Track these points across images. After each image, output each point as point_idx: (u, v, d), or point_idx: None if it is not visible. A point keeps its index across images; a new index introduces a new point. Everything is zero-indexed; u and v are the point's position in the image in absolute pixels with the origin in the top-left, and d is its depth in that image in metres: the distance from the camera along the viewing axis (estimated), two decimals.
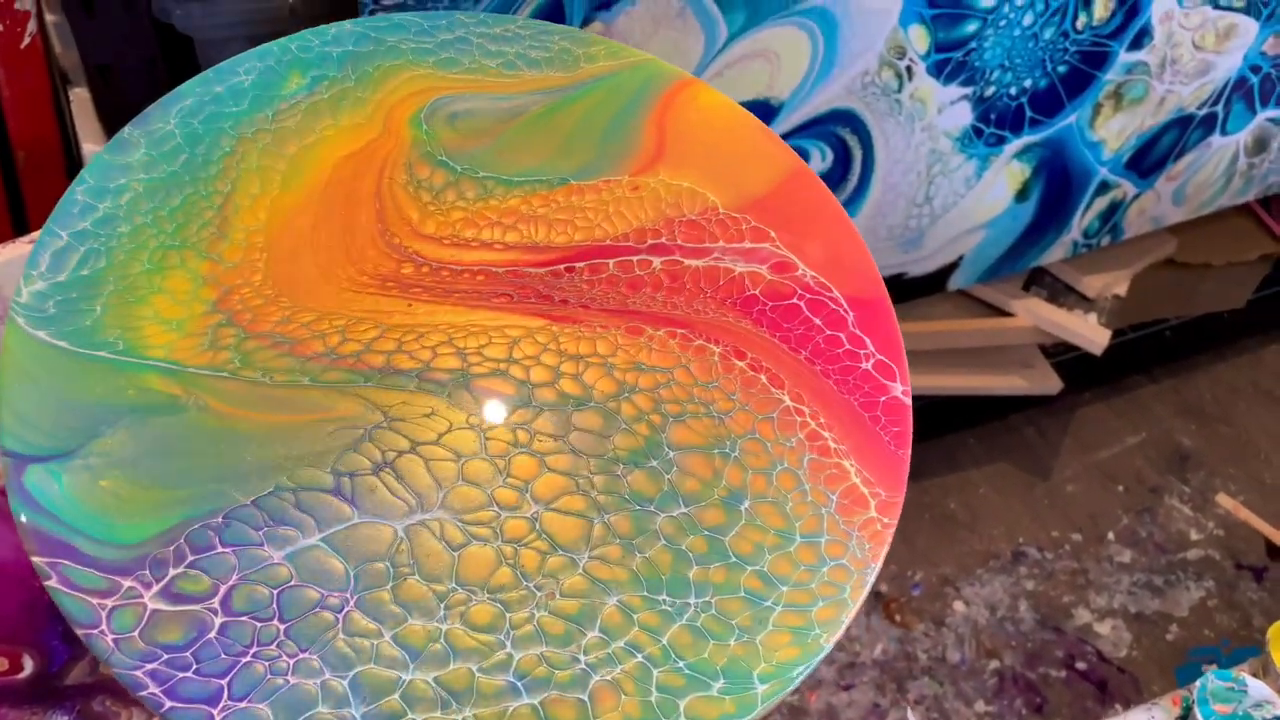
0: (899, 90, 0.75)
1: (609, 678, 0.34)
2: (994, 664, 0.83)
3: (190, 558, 0.33)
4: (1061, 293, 0.98)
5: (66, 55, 0.66)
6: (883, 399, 0.41)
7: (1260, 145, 0.92)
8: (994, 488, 0.91)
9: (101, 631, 0.32)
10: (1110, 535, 0.91)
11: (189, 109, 0.41)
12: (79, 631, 0.32)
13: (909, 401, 0.41)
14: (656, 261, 0.42)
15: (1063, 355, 0.96)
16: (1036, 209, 0.86)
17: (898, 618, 0.85)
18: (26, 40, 0.63)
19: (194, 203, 0.40)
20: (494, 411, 0.37)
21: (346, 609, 0.33)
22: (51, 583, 0.32)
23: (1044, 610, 0.87)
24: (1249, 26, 0.83)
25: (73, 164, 0.68)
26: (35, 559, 0.32)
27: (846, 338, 0.42)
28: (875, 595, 0.84)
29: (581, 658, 0.34)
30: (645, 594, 0.35)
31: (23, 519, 0.33)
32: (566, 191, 0.43)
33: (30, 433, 0.34)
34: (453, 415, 0.37)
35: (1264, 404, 1.01)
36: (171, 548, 0.33)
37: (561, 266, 0.41)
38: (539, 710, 0.33)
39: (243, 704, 0.31)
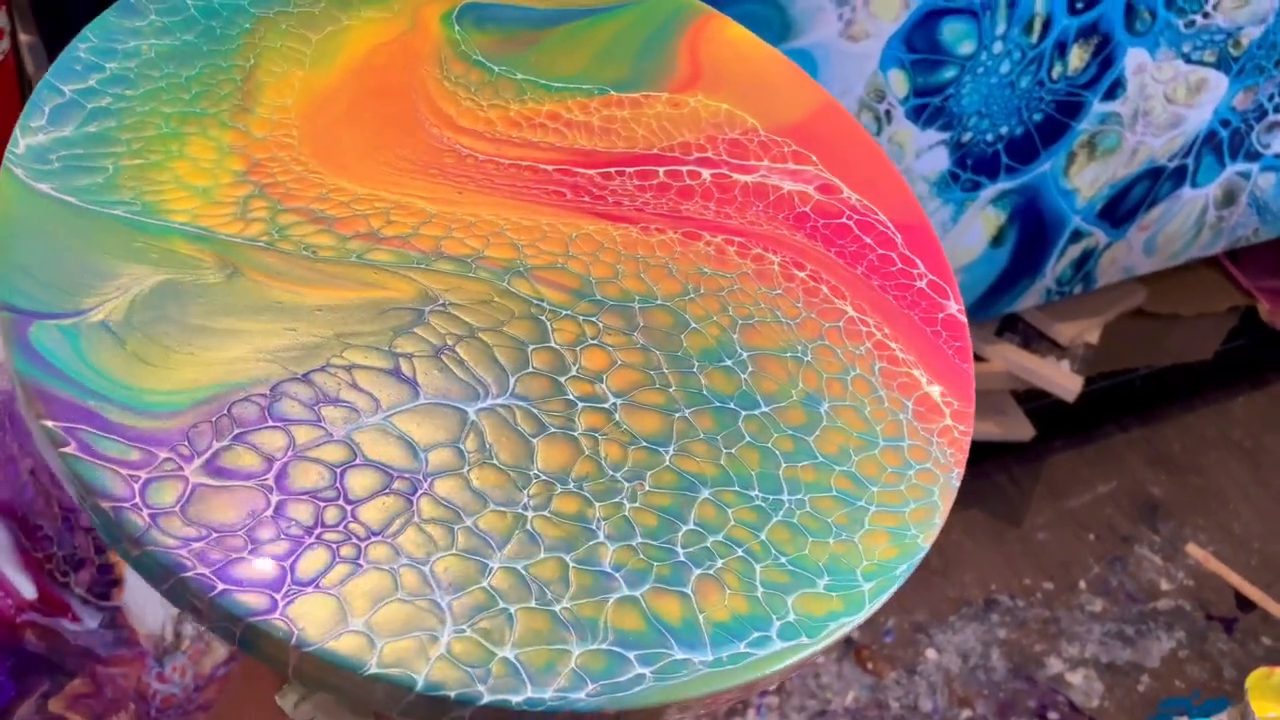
0: (878, 133, 0.77)
1: (710, 571, 0.30)
2: (966, 713, 0.82)
3: (236, 430, 0.28)
4: (1034, 339, 1.00)
5: (39, 76, 0.61)
6: (941, 315, 0.40)
7: (1229, 198, 0.94)
8: (966, 534, 0.91)
9: (135, 505, 0.26)
10: (1082, 584, 0.92)
11: None
12: (105, 505, 0.26)
13: (965, 320, 0.40)
14: (705, 173, 0.40)
15: (1034, 403, 0.97)
16: (1011, 255, 0.86)
17: (869, 665, 0.84)
18: None
19: (213, 74, 0.35)
20: (556, 302, 0.34)
21: (419, 492, 0.29)
22: (69, 450, 0.27)
23: (1016, 659, 0.86)
24: (1219, 81, 0.84)
25: None
26: (46, 424, 0.27)
27: (898, 257, 0.41)
28: (846, 642, 0.82)
29: (679, 550, 0.30)
30: (737, 489, 0.32)
31: (28, 379, 0.27)
32: (605, 101, 0.41)
33: (35, 287, 0.29)
34: (513, 304, 0.34)
35: (1233, 455, 1.03)
36: (213, 420, 0.28)
37: (612, 170, 0.39)
38: (642, 603, 0.29)
39: (309, 589, 0.26)
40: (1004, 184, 0.82)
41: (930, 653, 0.85)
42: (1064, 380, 0.95)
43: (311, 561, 0.27)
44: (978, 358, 0.96)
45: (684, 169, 0.40)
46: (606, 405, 0.33)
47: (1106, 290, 0.97)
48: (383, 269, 0.33)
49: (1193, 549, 0.82)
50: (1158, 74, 0.82)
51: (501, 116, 0.39)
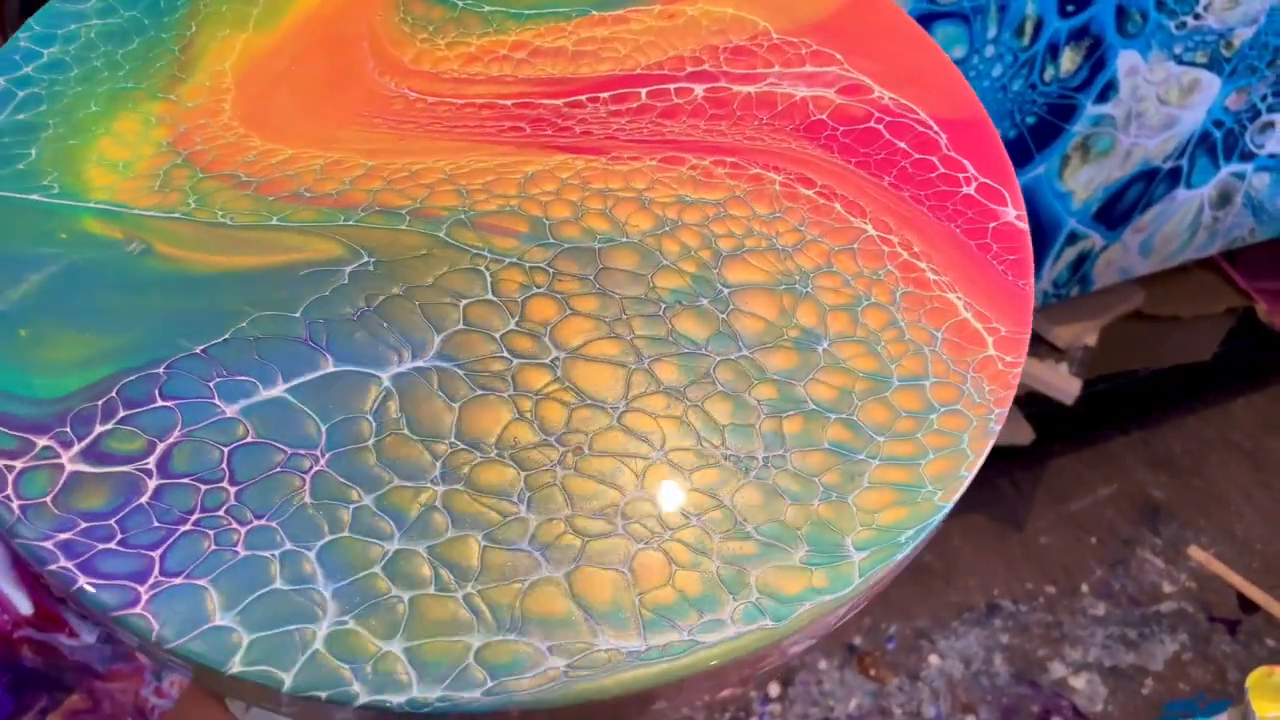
0: None
1: (656, 546, 0.26)
2: (970, 718, 0.81)
3: (122, 413, 0.26)
4: (1032, 343, 0.96)
5: None
6: (992, 225, 0.33)
7: (1224, 199, 0.92)
8: (968, 539, 0.90)
9: (7, 497, 0.25)
10: (1084, 588, 0.90)
11: None
12: None
13: (1025, 228, 0.33)
14: (698, 89, 0.35)
15: (1033, 406, 0.95)
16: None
17: (872, 671, 0.82)
18: None
19: (153, 45, 0.34)
20: (502, 250, 0.30)
21: (316, 469, 0.26)
22: None
23: (1019, 664, 0.85)
24: (1211, 81, 0.84)
25: None
26: None
27: (940, 160, 0.34)
28: (849, 649, 0.82)
29: (619, 523, 0.26)
30: (699, 448, 0.27)
31: None
32: (588, 23, 0.37)
33: None
34: (451, 255, 0.30)
35: (1234, 457, 1.00)
36: (100, 401, 0.26)
37: (583, 98, 0.34)
38: (565, 585, 0.25)
39: (178, 579, 0.24)
40: None
41: (933, 658, 0.83)
42: (1063, 383, 0.93)
43: (183, 551, 0.24)
44: None
45: (672, 87, 0.35)
46: (548, 360, 0.28)
47: (1104, 293, 0.95)
48: (306, 230, 0.30)
49: (1195, 551, 0.76)
50: (1150, 76, 0.80)
51: (462, 54, 0.35)
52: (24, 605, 0.38)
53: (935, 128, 0.35)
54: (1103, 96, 0.80)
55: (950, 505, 0.27)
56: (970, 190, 0.33)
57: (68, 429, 0.26)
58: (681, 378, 0.29)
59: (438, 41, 0.35)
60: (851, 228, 0.32)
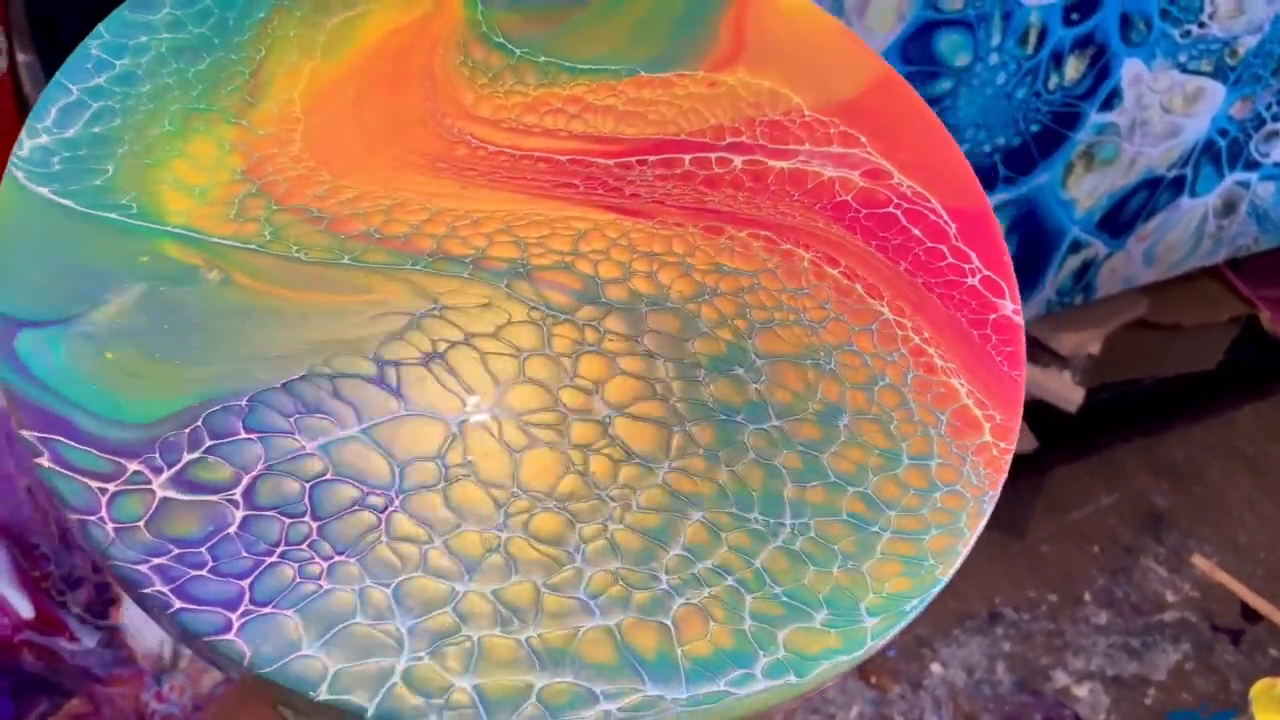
0: None
1: (695, 601, 0.29)
2: None
3: (208, 443, 0.28)
4: (1035, 351, 0.98)
5: (35, 96, 0.64)
6: (992, 317, 0.36)
7: (1229, 208, 0.92)
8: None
9: (100, 519, 0.26)
10: (1086, 596, 0.91)
11: None
12: (73, 518, 0.26)
13: (1021, 322, 0.37)
14: (737, 160, 0.38)
15: (1036, 414, 0.96)
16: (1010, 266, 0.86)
17: (873, 679, 0.84)
18: None
19: (223, 66, 0.35)
20: (558, 306, 0.33)
21: (390, 510, 0.28)
22: (43, 461, 0.27)
23: (1021, 672, 0.85)
24: (1216, 90, 0.83)
25: None
26: (25, 433, 0.27)
27: (949, 251, 0.37)
28: None
29: (663, 577, 0.29)
30: (734, 511, 0.30)
31: (12, 388, 0.27)
32: (636, 83, 0.39)
33: (23, 294, 0.29)
34: (511, 307, 0.32)
35: (1237, 465, 1.01)
36: (187, 430, 0.28)
37: (633, 159, 0.37)
38: (615, 633, 0.28)
39: (266, 609, 0.26)
40: (1002, 195, 0.82)
41: (935, 667, 0.84)
42: (1066, 392, 0.94)
43: (273, 580, 0.26)
44: None
45: (713, 156, 0.38)
46: (600, 418, 0.31)
47: (1107, 301, 0.95)
48: (377, 271, 0.32)
49: (1198, 560, 0.79)
50: (1154, 84, 0.81)
51: (520, 103, 0.37)
52: (25, 609, 0.39)
53: (946, 217, 0.38)
54: (1107, 105, 0.80)
55: (948, 579, 0.31)
56: (974, 282, 0.37)
57: (157, 455, 0.27)
58: (718, 443, 0.31)
59: (496, 88, 0.37)
60: (870, 309, 0.35)
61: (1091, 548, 0.94)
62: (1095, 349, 0.97)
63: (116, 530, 0.26)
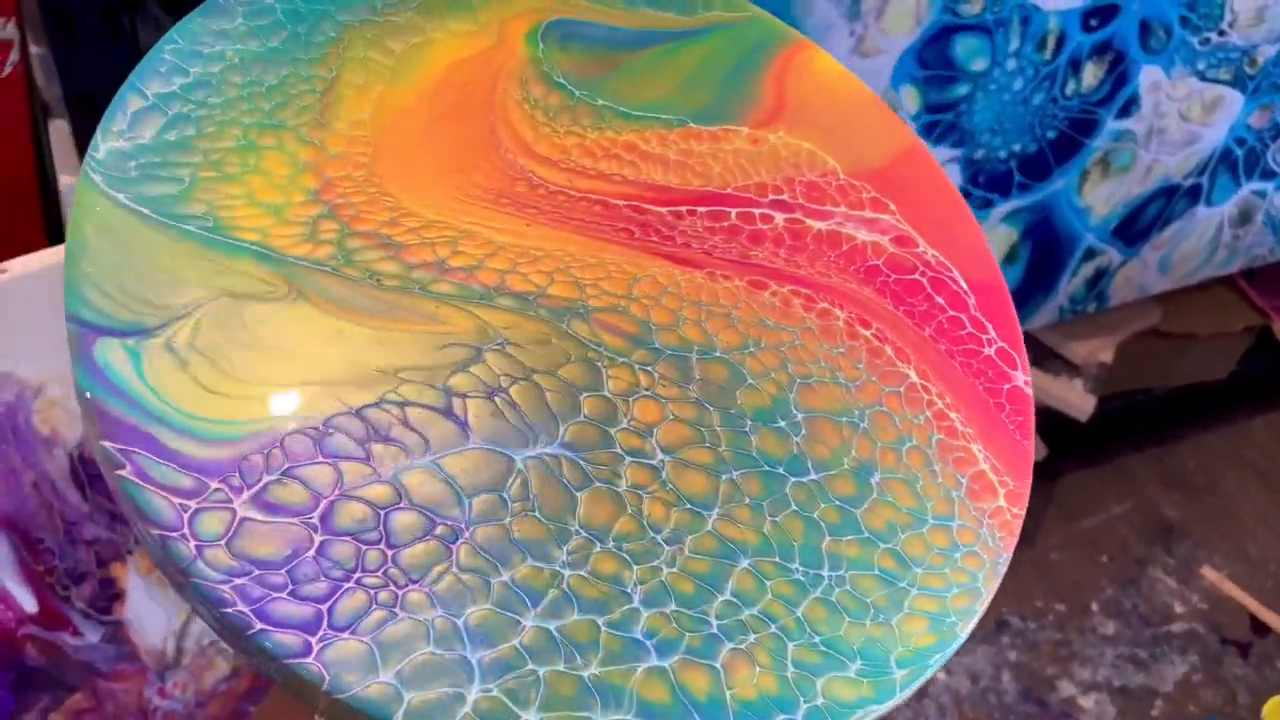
0: None
1: (742, 646, 0.30)
2: None
3: (287, 464, 0.28)
4: (1046, 358, 0.99)
5: (48, 88, 0.63)
6: (1006, 387, 0.39)
7: (1245, 217, 0.93)
8: None
9: (184, 535, 0.27)
10: (1094, 606, 0.91)
11: None
12: (154, 532, 0.27)
13: (1030, 392, 0.39)
14: (779, 217, 0.40)
15: (1046, 422, 0.96)
16: (1023, 273, 0.85)
17: None
18: (7, 70, 0.60)
19: (293, 84, 0.35)
20: (614, 348, 0.34)
21: (460, 540, 0.29)
22: (125, 473, 0.27)
23: (1027, 681, 0.85)
24: (1234, 99, 0.83)
25: (48, 198, 0.64)
26: (105, 444, 0.27)
27: (968, 320, 0.40)
28: None
29: (713, 621, 0.30)
30: (778, 560, 0.32)
31: (89, 397, 0.28)
32: (685, 134, 0.40)
33: (104, 301, 0.29)
34: (570, 346, 0.34)
35: (1249, 476, 1.01)
36: (265, 452, 0.28)
37: (684, 208, 0.38)
38: (670, 674, 0.29)
39: (344, 634, 0.27)
40: (1016, 201, 0.81)
41: (940, 674, 0.84)
42: (1077, 400, 0.93)
43: (349, 605, 0.27)
44: None
45: (757, 211, 0.39)
46: (654, 462, 0.32)
47: (1121, 309, 0.95)
48: (445, 301, 0.33)
49: (1208, 571, 0.80)
50: (1173, 91, 0.80)
51: (577, 145, 0.38)
52: (29, 603, 0.38)
53: (965, 288, 0.41)
54: (1124, 112, 0.79)
55: (966, 635, 0.33)
56: (990, 352, 0.39)
57: (237, 474, 0.28)
58: (764, 493, 0.33)
59: (555, 127, 0.38)
60: (898, 372, 0.37)
61: (1100, 557, 0.92)
62: (1107, 357, 0.96)
63: (198, 548, 0.27)
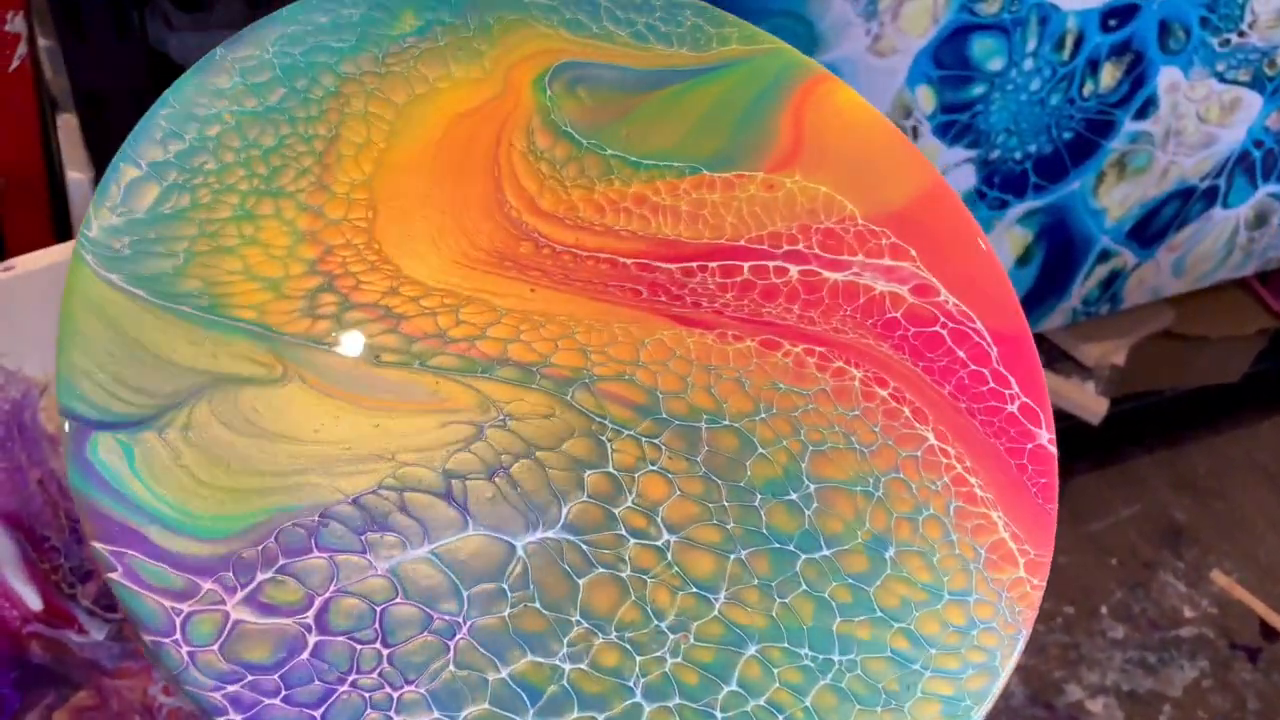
0: None
1: None
2: None
3: (281, 561, 0.28)
4: (1058, 360, 0.98)
5: (56, 81, 0.62)
6: (1029, 446, 0.37)
7: (1261, 220, 0.92)
8: None
9: (176, 641, 0.26)
10: (1103, 610, 0.90)
11: (290, 36, 0.36)
12: (146, 638, 0.26)
13: (1055, 451, 0.38)
14: (793, 270, 0.38)
15: (1056, 424, 0.96)
16: (1037, 275, 0.85)
17: None
18: (15, 63, 0.59)
19: (291, 145, 0.34)
20: (620, 420, 0.33)
21: (458, 635, 0.28)
22: (116, 576, 0.27)
23: (1035, 685, 0.85)
24: (1253, 101, 0.83)
25: (56, 192, 0.63)
26: (97, 546, 0.27)
27: (990, 375, 0.38)
28: None
29: (718, 715, 0.29)
30: (786, 645, 0.31)
31: (84, 496, 0.27)
32: (696, 182, 0.39)
33: (98, 394, 0.29)
34: (574, 420, 0.33)
35: (1259, 480, 1.00)
36: (260, 547, 0.28)
37: (694, 264, 0.37)
38: None
39: None
40: (1032, 202, 0.81)
41: None
42: (1089, 403, 0.92)
43: (343, 711, 0.27)
44: None
45: (771, 264, 0.38)
46: (660, 542, 0.32)
47: (1133, 311, 0.95)
48: (445, 376, 0.32)
49: (1218, 576, 0.79)
50: (1191, 93, 0.79)
51: (585, 199, 0.37)
52: (33, 601, 0.38)
53: (989, 339, 0.39)
54: (1142, 113, 0.78)
55: (980, 718, 0.32)
56: (1013, 409, 0.38)
57: (230, 573, 0.27)
58: (773, 572, 0.32)
59: (561, 179, 0.37)
60: (916, 434, 0.36)
61: (1110, 560, 0.91)
62: (1120, 360, 0.94)
63: (190, 654, 0.26)
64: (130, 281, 0.31)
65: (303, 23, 0.37)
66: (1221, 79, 0.80)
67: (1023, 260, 0.84)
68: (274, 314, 0.31)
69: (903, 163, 0.42)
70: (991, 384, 0.38)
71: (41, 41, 0.61)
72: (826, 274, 0.39)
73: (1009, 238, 0.82)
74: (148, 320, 0.30)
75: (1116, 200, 0.83)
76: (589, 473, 0.32)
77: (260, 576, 0.28)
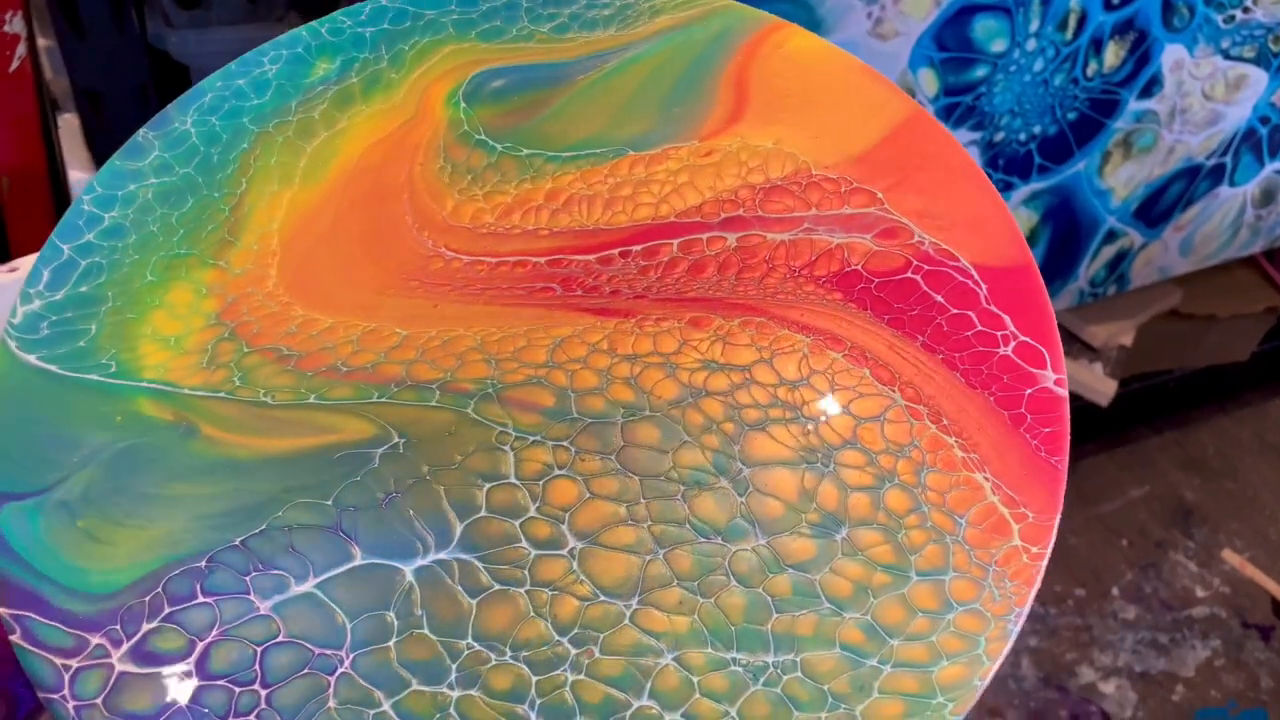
0: None
1: None
2: None
3: (167, 610, 0.28)
4: (1066, 342, 0.96)
5: (57, 81, 0.64)
6: (1028, 392, 0.32)
7: (1268, 197, 0.90)
8: None
9: (64, 697, 0.27)
10: (1115, 591, 0.88)
11: (208, 105, 0.37)
12: (41, 695, 0.27)
13: (1064, 394, 0.32)
14: (731, 238, 0.35)
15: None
16: (1044, 256, 0.85)
17: None
18: (15, 64, 0.61)
19: (206, 206, 0.36)
20: (527, 426, 0.31)
21: (340, 670, 0.27)
22: (16, 638, 0.28)
23: (1047, 668, 0.84)
24: (1259, 77, 0.82)
25: (59, 192, 0.66)
26: (1, 610, 0.28)
27: (978, 316, 0.33)
28: None
29: None
30: (709, 650, 0.28)
31: None
32: (627, 164, 0.36)
33: (10, 467, 0.30)
34: (478, 433, 0.31)
35: (1269, 459, 0.98)
36: (148, 598, 0.28)
37: (615, 252, 0.35)
38: None
39: None
40: (1037, 184, 0.81)
41: None
42: (1097, 384, 0.91)
43: None
44: None
45: (704, 236, 0.35)
46: (565, 551, 0.29)
47: (1141, 291, 0.94)
48: (340, 408, 0.32)
49: (1228, 555, 0.76)
50: (1196, 71, 0.79)
51: (498, 205, 0.36)
52: None
53: (976, 277, 0.34)
54: (1146, 92, 0.78)
55: (962, 718, 0.27)
56: (1008, 351, 0.33)
57: (118, 627, 0.28)
58: (696, 570, 0.29)
59: (475, 191, 0.36)
60: (879, 396, 0.32)
61: (1120, 541, 0.90)
62: (1128, 340, 0.95)
63: (77, 709, 0.27)
64: (46, 359, 0.32)
65: (221, 89, 0.38)
66: (1226, 56, 0.79)
67: (1029, 242, 0.83)
68: (176, 370, 0.32)
69: (871, 98, 0.38)
70: (980, 327, 0.33)
71: (41, 41, 0.63)
72: (771, 235, 0.35)
73: (1014, 220, 0.81)
74: (58, 391, 0.32)
75: (1122, 180, 0.82)
76: (489, 486, 0.30)
77: (146, 627, 0.28)
